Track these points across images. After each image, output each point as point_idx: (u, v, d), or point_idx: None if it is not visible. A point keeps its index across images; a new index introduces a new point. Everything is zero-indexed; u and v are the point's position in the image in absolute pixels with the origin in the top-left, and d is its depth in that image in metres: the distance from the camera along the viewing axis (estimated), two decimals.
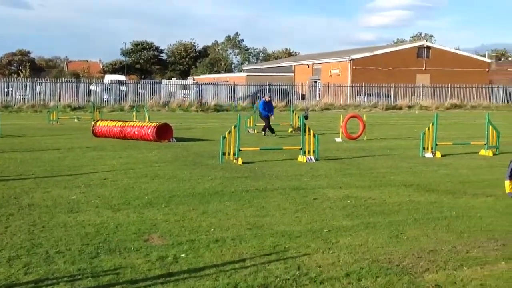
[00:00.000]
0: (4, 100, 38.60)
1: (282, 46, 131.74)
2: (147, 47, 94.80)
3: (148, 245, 6.27)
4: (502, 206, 8.55)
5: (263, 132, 20.51)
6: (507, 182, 9.45)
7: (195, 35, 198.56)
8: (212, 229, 6.98)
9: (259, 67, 75.63)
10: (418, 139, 15.32)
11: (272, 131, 20.36)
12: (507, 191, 9.38)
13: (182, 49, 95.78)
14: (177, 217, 7.60)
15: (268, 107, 20.38)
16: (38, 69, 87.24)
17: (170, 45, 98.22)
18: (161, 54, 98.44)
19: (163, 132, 17.73)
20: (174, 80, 58.88)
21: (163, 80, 55.71)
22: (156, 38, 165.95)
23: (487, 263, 5.81)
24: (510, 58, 79.02)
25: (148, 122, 19.62)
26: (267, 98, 20.66)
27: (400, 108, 44.56)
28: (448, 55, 55.27)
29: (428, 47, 55.72)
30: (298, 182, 10.44)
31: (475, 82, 51.27)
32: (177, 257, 5.83)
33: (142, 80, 54.27)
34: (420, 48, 55.10)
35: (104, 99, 41.14)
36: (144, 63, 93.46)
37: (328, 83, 49.96)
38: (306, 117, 20.35)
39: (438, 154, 14.55)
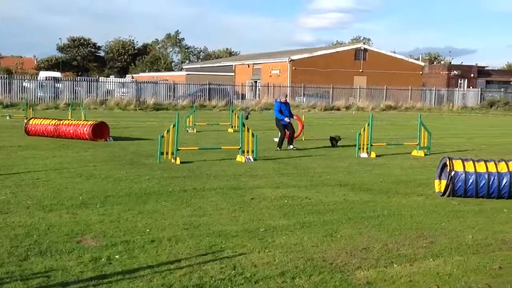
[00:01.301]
0: None
1: (223, 45, 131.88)
2: (84, 43, 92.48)
3: (81, 246, 6.14)
4: (431, 205, 8.87)
5: (277, 148, 15.95)
6: (436, 182, 9.82)
7: (134, 32, 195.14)
8: (148, 230, 6.91)
9: (200, 66, 75.27)
10: (355, 140, 15.66)
11: (281, 144, 16.08)
12: (436, 190, 9.75)
13: (121, 46, 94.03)
14: (112, 217, 7.47)
15: (284, 110, 16.19)
16: None
17: (108, 42, 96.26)
18: (99, 51, 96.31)
19: (100, 131, 17.37)
20: (112, 78, 57.72)
21: (100, 77, 54.46)
22: (93, 35, 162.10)
23: (416, 260, 6.02)
24: (442, 62, 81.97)
25: (84, 120, 19.16)
26: (283, 99, 16.51)
27: (338, 109, 45.41)
28: (384, 57, 56.76)
29: (365, 50, 57.04)
30: (236, 182, 10.48)
31: (409, 84, 52.95)
32: (111, 259, 5.74)
33: (79, 77, 52.97)
34: (357, 50, 56.32)
35: (38, 97, 39.84)
36: (81, 60, 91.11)
37: (268, 83, 50.30)
38: (246, 117, 20.39)
39: (373, 155, 14.93)
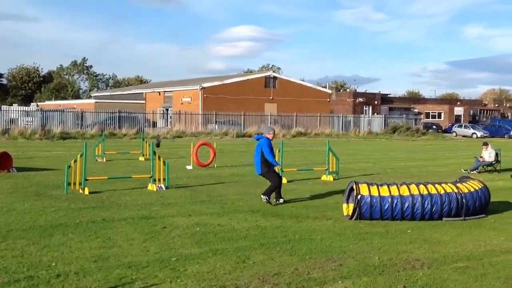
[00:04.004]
0: None
1: (133, 73, 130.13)
2: None
3: None
4: (340, 228, 9.13)
5: (279, 201, 11.63)
6: (344, 205, 10.13)
7: (39, 59, 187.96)
8: (53, 264, 6.62)
9: (109, 93, 73.82)
10: None
11: (279, 194, 11.76)
12: (345, 213, 10.06)
13: (25, 73, 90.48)
14: (14, 252, 7.10)
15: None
16: None
17: (11, 70, 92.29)
18: (1, 79, 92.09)
19: (2, 161, 16.53)
20: (15, 106, 55.29)
21: (3, 106, 52.04)
22: None
23: (325, 283, 6.16)
24: (348, 90, 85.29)
25: None
26: (271, 135, 12.04)
27: (250, 136, 45.88)
28: (293, 85, 58.29)
29: (275, 78, 58.32)
30: (148, 211, 10.30)
31: (318, 111, 54.63)
32: None
33: None
34: (267, 78, 57.47)
35: None
36: None
37: (180, 110, 50.16)
38: (158, 145, 20.16)
39: (284, 180, 15.16)
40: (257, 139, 11.85)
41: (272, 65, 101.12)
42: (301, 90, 58.07)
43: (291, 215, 10.20)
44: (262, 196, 11.48)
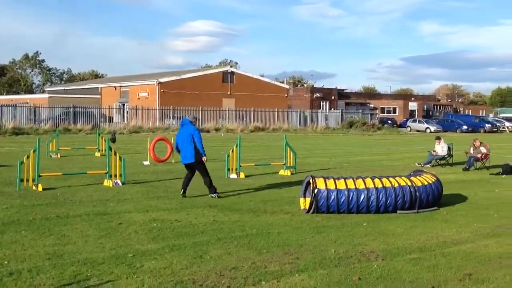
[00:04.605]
0: None
1: (88, 67, 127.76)
2: None
3: None
4: (297, 222, 9.22)
5: (215, 195, 11.54)
6: (301, 200, 10.23)
7: None
8: (6, 262, 6.47)
9: (63, 88, 72.24)
10: (224, 161, 15.86)
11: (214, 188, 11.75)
12: (302, 207, 10.16)
13: None
14: None
15: None
16: None
17: None
18: None
19: None
20: None
21: None
22: None
23: (283, 276, 6.21)
24: (305, 85, 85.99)
25: None
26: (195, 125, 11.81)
27: (208, 131, 45.76)
28: (251, 80, 58.34)
29: (232, 73, 58.26)
30: (103, 207, 10.16)
31: (275, 106, 54.86)
32: None
33: None
34: (225, 73, 57.34)
35: None
36: None
37: (137, 106, 49.57)
38: (113, 140, 19.87)
39: (242, 175, 15.22)
40: (182, 125, 11.62)
41: (230, 60, 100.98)
42: (259, 85, 58.19)
43: (249, 210, 10.24)
44: (211, 195, 11.52)
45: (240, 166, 15.41)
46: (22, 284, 5.69)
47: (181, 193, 11.58)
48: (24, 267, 6.26)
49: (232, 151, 15.39)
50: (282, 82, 67.50)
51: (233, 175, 15.14)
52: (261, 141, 35.35)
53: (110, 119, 47.54)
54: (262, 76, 65.46)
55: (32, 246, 7.26)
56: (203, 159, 11.50)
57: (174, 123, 46.27)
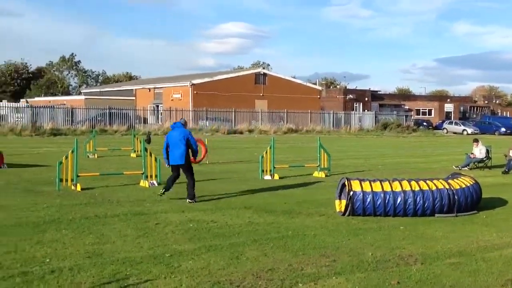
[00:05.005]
0: None
1: (122, 69, 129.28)
2: None
3: None
4: (333, 224, 9.16)
5: (193, 201, 11.12)
6: (337, 202, 10.16)
7: (26, 55, 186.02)
8: (47, 260, 6.60)
9: (99, 90, 73.40)
10: (258, 162, 15.88)
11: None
12: (337, 210, 10.09)
13: (13, 69, 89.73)
14: (8, 248, 7.07)
15: None
16: None
17: None
18: None
19: None
20: (4, 102, 54.89)
21: None
22: None
23: (320, 278, 6.18)
24: (338, 86, 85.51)
25: None
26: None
27: (241, 132, 45.95)
28: (283, 82, 58.32)
29: (265, 74, 58.33)
30: (140, 207, 10.28)
31: (308, 108, 54.69)
32: None
33: None
34: (257, 75, 57.46)
35: None
36: None
37: (170, 107, 50.05)
38: (148, 141, 20.10)
39: (276, 176, 15.22)
40: (174, 128, 11.49)
41: (263, 62, 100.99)
42: (291, 87, 58.10)
43: (284, 212, 10.22)
44: (188, 200, 11.00)
45: (274, 167, 15.41)
46: (64, 282, 5.79)
47: (162, 192, 11.19)
48: (65, 265, 6.38)
49: (266, 152, 15.40)
50: (315, 84, 67.27)
51: (267, 177, 15.15)
52: (294, 142, 35.28)
53: (145, 120, 48.12)
54: (294, 77, 65.32)
55: (72, 244, 7.39)
56: (191, 160, 11.37)
57: (207, 125, 46.58)
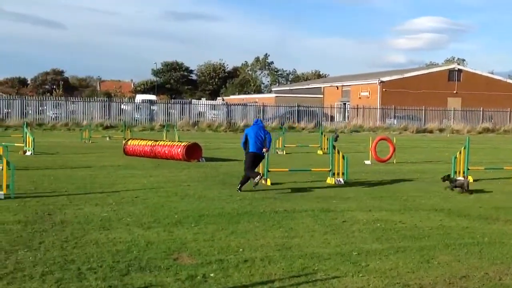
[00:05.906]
0: (38, 119, 39.39)
1: (311, 68, 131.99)
2: (177, 67, 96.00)
3: (178, 264, 6.32)
4: None
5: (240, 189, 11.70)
6: None
7: (224, 55, 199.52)
8: (241, 249, 7.00)
9: (288, 88, 75.82)
10: (449, 163, 15.09)
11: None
12: None
13: (211, 69, 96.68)
14: (206, 236, 7.64)
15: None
16: (71, 88, 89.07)
17: (200, 66, 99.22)
18: (191, 74, 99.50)
19: (193, 152, 17.87)
20: (203, 100, 59.49)
21: (193, 100, 56.30)
22: (185, 58, 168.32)
23: None
24: None
25: (178, 141, 19.81)
26: None
27: (431, 132, 44.12)
28: (480, 78, 54.69)
29: (460, 71, 55.24)
30: (327, 204, 10.40)
31: (508, 106, 50.55)
32: (206, 277, 5.86)
33: (172, 100, 54.89)
34: (451, 71, 54.65)
35: (135, 118, 41.76)
36: (174, 83, 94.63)
37: (358, 105, 49.84)
38: (335, 140, 20.24)
39: (470, 179, 14.30)
40: (256, 123, 12.56)
41: (457, 58, 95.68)
42: (488, 83, 54.25)
43: (479, 217, 9.59)
44: (239, 188, 11.72)
45: (468, 169, 14.50)
46: (255, 272, 6.09)
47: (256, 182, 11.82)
48: (257, 256, 6.71)
49: (460, 153, 14.56)
50: None
51: (459, 178, 14.31)
52: (491, 143, 32.89)
53: (332, 118, 48.56)
54: (492, 73, 60.82)
55: (263, 236, 7.74)
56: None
57: (395, 123, 45.51)
